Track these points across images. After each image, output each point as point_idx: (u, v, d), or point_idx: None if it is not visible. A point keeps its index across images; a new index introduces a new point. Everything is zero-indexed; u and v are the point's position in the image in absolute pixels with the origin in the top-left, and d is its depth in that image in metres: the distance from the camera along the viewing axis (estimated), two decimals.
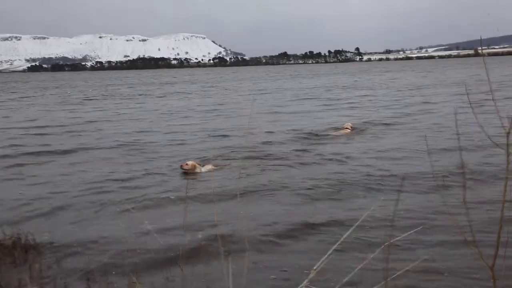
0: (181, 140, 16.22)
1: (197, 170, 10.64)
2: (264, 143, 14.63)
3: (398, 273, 3.13)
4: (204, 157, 12.55)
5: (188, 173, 10.47)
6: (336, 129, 16.60)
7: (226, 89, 52.06)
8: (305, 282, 3.04)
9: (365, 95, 34.57)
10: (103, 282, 5.21)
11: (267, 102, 31.69)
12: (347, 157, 12.04)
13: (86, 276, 5.62)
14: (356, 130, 16.28)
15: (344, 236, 3.53)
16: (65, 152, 14.39)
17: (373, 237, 6.36)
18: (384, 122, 18.72)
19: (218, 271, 5.41)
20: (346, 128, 16.06)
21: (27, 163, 12.83)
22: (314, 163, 11.66)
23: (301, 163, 11.61)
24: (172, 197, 8.86)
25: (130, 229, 6.98)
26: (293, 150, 13.32)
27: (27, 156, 13.86)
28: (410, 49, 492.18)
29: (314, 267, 3.38)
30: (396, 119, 19.68)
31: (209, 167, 11.00)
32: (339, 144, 14.33)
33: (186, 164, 10.58)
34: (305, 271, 5.23)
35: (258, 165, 11.49)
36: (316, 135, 15.93)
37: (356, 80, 61.61)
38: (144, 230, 6.45)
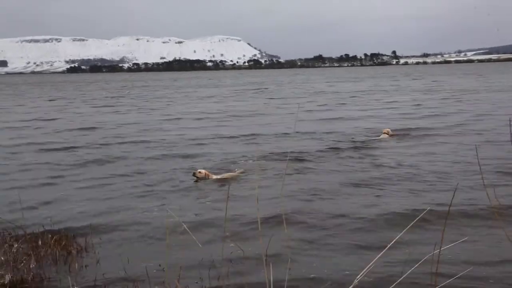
0: None
1: (210, 177, 10.60)
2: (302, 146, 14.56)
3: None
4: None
5: (199, 181, 10.47)
6: (377, 134, 16.49)
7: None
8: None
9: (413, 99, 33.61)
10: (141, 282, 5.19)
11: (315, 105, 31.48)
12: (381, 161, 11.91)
13: (123, 279, 5.66)
14: (396, 136, 16.13)
15: (396, 238, 3.41)
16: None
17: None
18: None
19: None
20: (385, 133, 16.05)
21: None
22: (353, 166, 11.60)
23: (342, 165, 11.62)
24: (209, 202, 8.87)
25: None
26: (335, 154, 13.31)
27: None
28: (449, 53, 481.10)
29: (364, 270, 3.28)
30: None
31: (223, 174, 10.99)
32: (378, 148, 14.22)
33: (199, 172, 10.54)
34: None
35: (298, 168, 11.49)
36: (354, 140, 15.71)
37: (398, 84, 60.27)
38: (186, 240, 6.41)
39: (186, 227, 4.68)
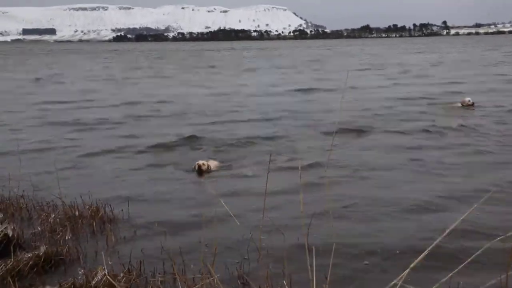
0: None
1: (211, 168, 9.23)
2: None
3: None
4: None
5: (203, 174, 8.95)
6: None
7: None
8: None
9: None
10: (177, 263, 4.92)
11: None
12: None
13: (160, 254, 5.43)
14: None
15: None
16: None
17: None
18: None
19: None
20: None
21: None
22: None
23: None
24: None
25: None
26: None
27: None
28: (503, 23, 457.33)
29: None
30: None
31: (215, 163, 9.55)
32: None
33: (203, 165, 9.05)
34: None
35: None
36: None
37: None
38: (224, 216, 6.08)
39: (223, 203, 4.36)
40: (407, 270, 2.65)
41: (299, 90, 23.29)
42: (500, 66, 37.04)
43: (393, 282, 2.77)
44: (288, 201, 7.10)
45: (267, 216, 6.14)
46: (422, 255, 2.67)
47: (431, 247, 2.72)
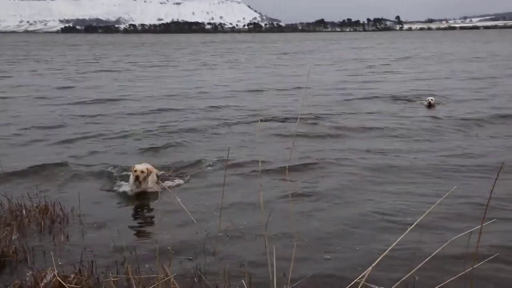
0: None
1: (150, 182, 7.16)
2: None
3: None
4: None
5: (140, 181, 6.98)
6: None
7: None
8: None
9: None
10: (131, 263, 4.78)
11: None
12: None
13: (112, 254, 5.25)
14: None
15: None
16: None
17: None
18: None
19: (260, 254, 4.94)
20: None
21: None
22: None
23: None
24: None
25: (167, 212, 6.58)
26: None
27: None
28: (454, 19, 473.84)
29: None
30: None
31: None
32: None
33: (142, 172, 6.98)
34: None
35: None
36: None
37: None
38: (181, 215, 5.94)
39: (179, 201, 4.24)
40: (369, 268, 2.65)
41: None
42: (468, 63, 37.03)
43: (354, 281, 2.77)
44: (246, 201, 7.02)
45: (226, 215, 6.09)
46: (383, 254, 2.67)
47: (392, 246, 2.72)
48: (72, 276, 4.56)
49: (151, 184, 7.18)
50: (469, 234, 2.66)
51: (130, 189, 7.12)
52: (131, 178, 7.03)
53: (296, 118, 12.72)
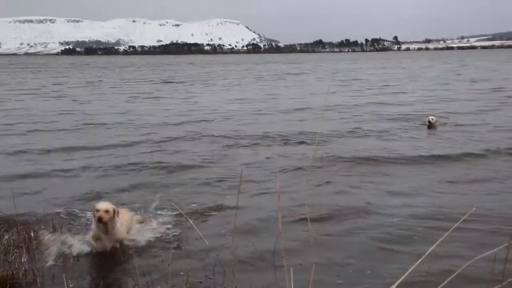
0: None
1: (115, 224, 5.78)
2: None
3: None
4: None
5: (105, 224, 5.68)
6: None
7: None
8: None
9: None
10: (141, 284, 4.75)
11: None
12: None
13: (123, 274, 5.23)
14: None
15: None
16: None
17: None
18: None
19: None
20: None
21: None
22: None
23: None
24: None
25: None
26: None
27: None
28: (451, 39, 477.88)
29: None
30: None
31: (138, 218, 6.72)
32: None
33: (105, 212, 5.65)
34: None
35: None
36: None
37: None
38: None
39: (191, 222, 4.26)
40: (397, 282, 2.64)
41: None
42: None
43: None
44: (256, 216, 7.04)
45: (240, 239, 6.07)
46: (399, 280, 2.67)
47: (408, 272, 2.72)
48: None
49: (123, 232, 5.88)
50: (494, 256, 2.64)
51: (91, 237, 5.72)
52: (94, 223, 5.78)
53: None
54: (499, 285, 2.53)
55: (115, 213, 5.70)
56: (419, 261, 2.53)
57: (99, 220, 5.56)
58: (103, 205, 5.69)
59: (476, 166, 10.01)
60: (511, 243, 2.58)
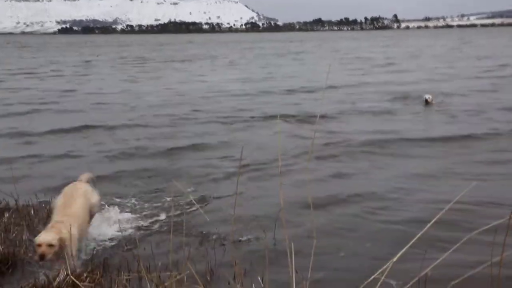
0: None
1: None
2: None
3: None
4: None
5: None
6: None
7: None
8: None
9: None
10: (143, 261, 4.77)
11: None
12: None
13: (124, 252, 5.25)
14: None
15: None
16: None
17: None
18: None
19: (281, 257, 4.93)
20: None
21: None
22: None
23: None
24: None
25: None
26: None
27: None
28: (451, 17, 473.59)
29: None
30: None
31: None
32: None
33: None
34: None
35: None
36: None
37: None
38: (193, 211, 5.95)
39: (193, 199, 4.25)
40: (389, 264, 2.63)
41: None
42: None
43: (373, 277, 2.76)
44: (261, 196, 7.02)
45: (240, 211, 6.10)
46: (402, 250, 2.65)
47: (411, 242, 2.71)
48: (85, 275, 4.55)
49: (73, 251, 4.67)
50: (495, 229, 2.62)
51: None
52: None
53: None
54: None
55: (61, 244, 4.51)
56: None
57: (41, 258, 4.44)
58: (46, 238, 4.47)
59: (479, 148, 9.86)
60: None
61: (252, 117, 13.69)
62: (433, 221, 3.03)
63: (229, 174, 8.13)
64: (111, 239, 5.61)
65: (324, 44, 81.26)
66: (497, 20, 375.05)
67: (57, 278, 4.44)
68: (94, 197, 5.52)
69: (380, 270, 3.02)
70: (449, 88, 19.13)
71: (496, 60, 32.75)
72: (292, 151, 9.42)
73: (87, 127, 12.53)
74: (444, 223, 5.46)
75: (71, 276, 4.40)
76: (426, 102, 14.98)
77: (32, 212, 6.19)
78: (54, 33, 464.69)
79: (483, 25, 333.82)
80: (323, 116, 13.10)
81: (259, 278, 4.12)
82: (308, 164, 8.07)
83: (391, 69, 29.88)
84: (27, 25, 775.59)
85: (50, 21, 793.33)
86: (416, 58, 40.17)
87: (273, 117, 13.45)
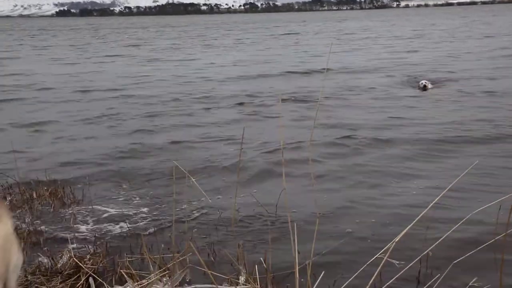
0: None
1: None
2: None
3: None
4: None
5: None
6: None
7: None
8: None
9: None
10: (145, 241, 4.79)
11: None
12: None
13: (126, 235, 5.27)
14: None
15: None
16: None
17: None
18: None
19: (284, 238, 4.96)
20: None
21: None
22: None
23: None
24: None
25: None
26: None
27: None
28: None
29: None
30: None
31: None
32: None
33: None
34: None
35: None
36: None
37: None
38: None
39: (194, 181, 4.24)
40: (392, 243, 2.64)
41: None
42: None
43: (375, 256, 2.77)
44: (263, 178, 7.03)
45: (243, 192, 6.11)
46: (405, 230, 2.66)
47: (414, 221, 2.71)
48: (88, 257, 4.57)
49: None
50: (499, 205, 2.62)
51: None
52: None
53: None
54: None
55: None
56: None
57: None
58: None
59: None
60: None
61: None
62: (433, 202, 3.06)
63: (231, 157, 8.11)
64: (113, 222, 5.63)
65: (329, 24, 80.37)
66: None
67: (61, 260, 4.48)
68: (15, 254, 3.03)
69: (382, 250, 3.04)
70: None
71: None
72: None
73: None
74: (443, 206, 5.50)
75: (74, 258, 4.43)
76: (424, 88, 14.17)
77: (34, 194, 6.20)
78: (52, 15, 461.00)
79: (483, 2, 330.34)
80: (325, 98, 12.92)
81: (261, 259, 4.13)
82: (309, 145, 8.01)
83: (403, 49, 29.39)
84: (25, 8, 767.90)
85: (48, 4, 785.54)
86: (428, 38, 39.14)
87: (273, 97, 13.40)
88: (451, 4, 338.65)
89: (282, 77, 18.24)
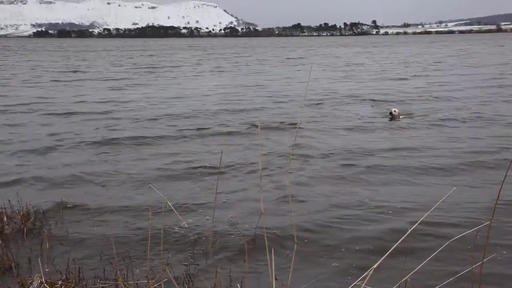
0: None
1: None
2: None
3: None
4: None
5: None
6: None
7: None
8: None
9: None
10: (119, 267, 4.68)
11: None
12: None
13: (100, 260, 5.14)
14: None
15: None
16: None
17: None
18: None
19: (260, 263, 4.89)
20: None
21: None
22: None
23: None
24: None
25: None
26: None
27: None
28: (429, 23, 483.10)
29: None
30: None
31: None
32: None
33: None
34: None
35: None
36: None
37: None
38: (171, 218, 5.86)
39: (171, 205, 4.20)
40: (370, 271, 2.62)
41: None
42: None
43: (354, 283, 2.75)
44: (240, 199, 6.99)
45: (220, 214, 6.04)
46: (385, 255, 2.65)
47: (394, 246, 2.70)
48: (60, 283, 4.44)
49: None
50: (476, 232, 2.64)
51: None
52: None
53: None
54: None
55: None
56: None
57: None
58: None
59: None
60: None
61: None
62: (410, 230, 3.06)
63: (208, 177, 8.08)
64: (87, 247, 5.49)
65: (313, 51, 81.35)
66: (475, 27, 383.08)
67: (31, 286, 4.33)
68: None
69: (360, 277, 3.02)
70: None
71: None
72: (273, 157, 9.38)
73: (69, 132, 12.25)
74: (421, 234, 5.53)
75: (45, 284, 4.30)
76: (392, 116, 13.75)
77: (5, 219, 6.02)
78: (29, 36, 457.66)
79: (461, 32, 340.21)
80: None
81: (238, 285, 4.07)
82: (288, 168, 8.02)
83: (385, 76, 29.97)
84: (1, 28, 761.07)
85: (25, 24, 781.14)
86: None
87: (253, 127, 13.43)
88: (429, 33, 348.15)
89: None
